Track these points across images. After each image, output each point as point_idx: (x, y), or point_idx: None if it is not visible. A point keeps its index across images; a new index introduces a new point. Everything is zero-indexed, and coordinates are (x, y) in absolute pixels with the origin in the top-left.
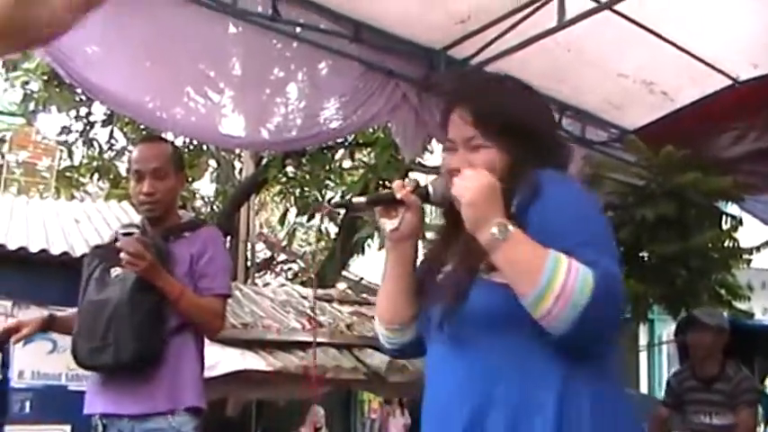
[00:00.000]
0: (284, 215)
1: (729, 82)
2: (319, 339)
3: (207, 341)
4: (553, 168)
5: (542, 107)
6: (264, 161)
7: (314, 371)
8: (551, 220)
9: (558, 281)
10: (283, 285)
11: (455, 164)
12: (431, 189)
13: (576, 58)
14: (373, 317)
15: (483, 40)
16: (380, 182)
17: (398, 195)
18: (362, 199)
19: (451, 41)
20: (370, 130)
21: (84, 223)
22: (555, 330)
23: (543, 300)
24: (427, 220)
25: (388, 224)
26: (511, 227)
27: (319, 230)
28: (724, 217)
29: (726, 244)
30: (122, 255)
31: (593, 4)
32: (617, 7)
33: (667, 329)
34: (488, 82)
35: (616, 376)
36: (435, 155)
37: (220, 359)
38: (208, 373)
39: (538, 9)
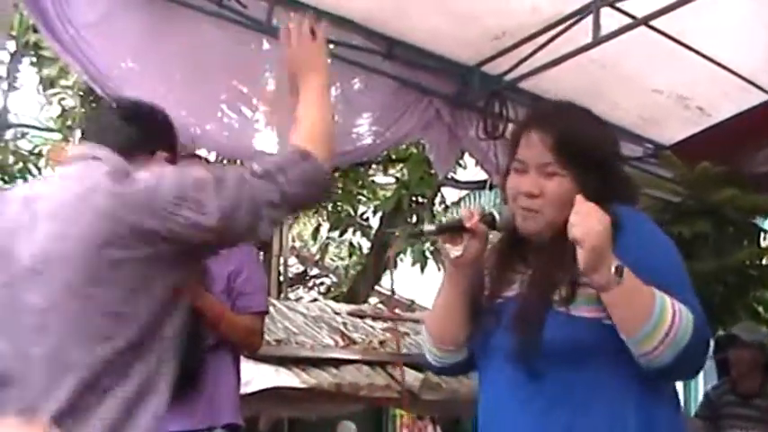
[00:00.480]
0: (317, 230)
1: (766, 97)
2: (352, 356)
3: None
4: (623, 203)
5: (615, 141)
6: None
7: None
8: (641, 258)
9: (665, 322)
10: (315, 300)
11: (526, 187)
12: (497, 216)
13: (611, 74)
14: (406, 333)
15: (517, 56)
16: (413, 197)
17: (467, 224)
18: (432, 228)
19: (485, 58)
20: (403, 146)
21: None
22: (653, 365)
23: (650, 339)
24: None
25: (452, 251)
26: (625, 269)
27: (351, 245)
28: (762, 234)
29: (764, 261)
30: None
31: (629, 20)
32: (652, 23)
33: None
34: (567, 109)
35: (676, 398)
36: (468, 170)
37: (254, 376)
38: (242, 390)
39: (573, 25)
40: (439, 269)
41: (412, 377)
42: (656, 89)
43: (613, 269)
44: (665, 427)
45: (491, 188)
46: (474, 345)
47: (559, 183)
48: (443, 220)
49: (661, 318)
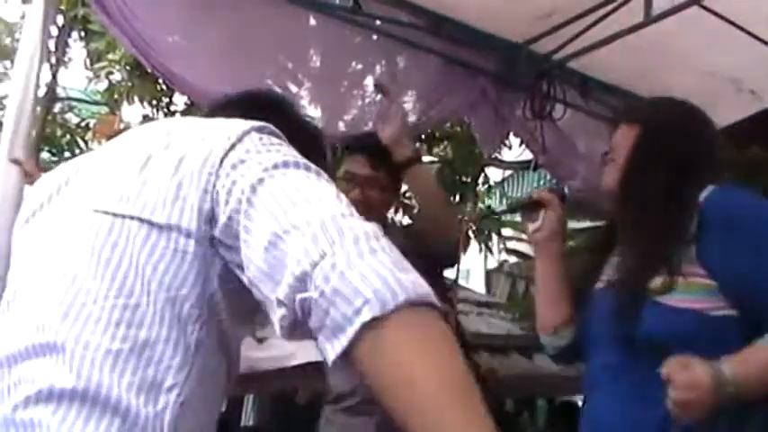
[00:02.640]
0: None
1: None
2: None
3: None
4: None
5: (710, 135)
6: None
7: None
8: (728, 260)
9: None
10: None
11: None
12: (566, 190)
13: (662, 55)
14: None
15: (566, 35)
16: (457, 177)
17: (535, 196)
18: (504, 208)
19: (533, 36)
20: (448, 124)
21: None
22: None
23: None
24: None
25: (530, 226)
26: (728, 372)
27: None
28: None
29: None
30: None
31: (682, 0)
32: (706, 3)
33: None
34: (658, 103)
35: None
36: (513, 150)
37: (297, 349)
38: (285, 363)
39: (624, 4)
40: (480, 250)
41: None
42: (708, 71)
43: (728, 390)
44: (758, 424)
45: (535, 168)
46: (577, 332)
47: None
48: (486, 200)
49: None
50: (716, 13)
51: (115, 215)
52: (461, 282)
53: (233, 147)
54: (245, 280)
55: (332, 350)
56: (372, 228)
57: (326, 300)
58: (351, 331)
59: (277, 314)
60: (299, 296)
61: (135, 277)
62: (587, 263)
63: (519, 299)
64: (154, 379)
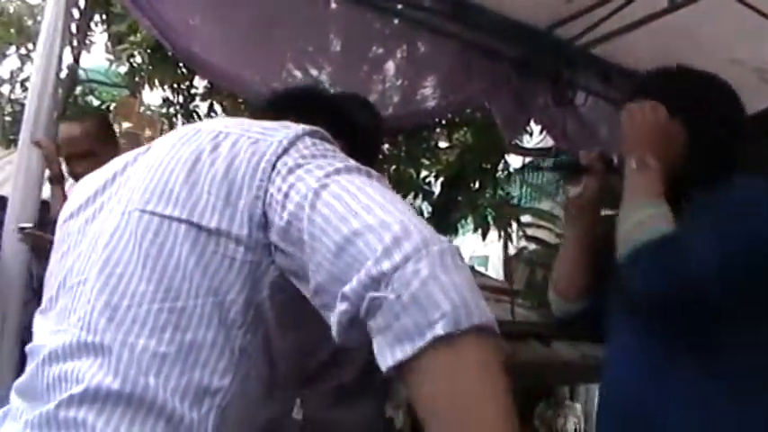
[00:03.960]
0: None
1: None
2: None
3: None
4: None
5: (734, 105)
6: None
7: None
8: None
9: (627, 224)
10: None
11: None
12: (615, 158)
13: (687, 42)
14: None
15: (589, 21)
16: (478, 163)
17: (583, 161)
18: (550, 164)
19: (556, 21)
20: (468, 110)
21: None
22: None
23: (626, 221)
24: None
25: (571, 191)
26: (651, 163)
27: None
28: None
29: None
30: None
31: None
32: None
33: None
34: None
35: None
36: (534, 137)
37: None
38: None
39: None
40: (500, 236)
41: None
42: (733, 59)
43: (634, 163)
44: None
45: (556, 156)
46: (599, 301)
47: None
48: (504, 187)
49: (632, 217)
50: (741, 1)
51: (163, 217)
52: (480, 269)
53: (286, 151)
54: (304, 288)
55: (391, 356)
56: (450, 243)
57: (401, 304)
58: (421, 342)
59: (338, 309)
60: (370, 294)
61: (182, 280)
62: (609, 251)
63: (538, 286)
64: (199, 383)
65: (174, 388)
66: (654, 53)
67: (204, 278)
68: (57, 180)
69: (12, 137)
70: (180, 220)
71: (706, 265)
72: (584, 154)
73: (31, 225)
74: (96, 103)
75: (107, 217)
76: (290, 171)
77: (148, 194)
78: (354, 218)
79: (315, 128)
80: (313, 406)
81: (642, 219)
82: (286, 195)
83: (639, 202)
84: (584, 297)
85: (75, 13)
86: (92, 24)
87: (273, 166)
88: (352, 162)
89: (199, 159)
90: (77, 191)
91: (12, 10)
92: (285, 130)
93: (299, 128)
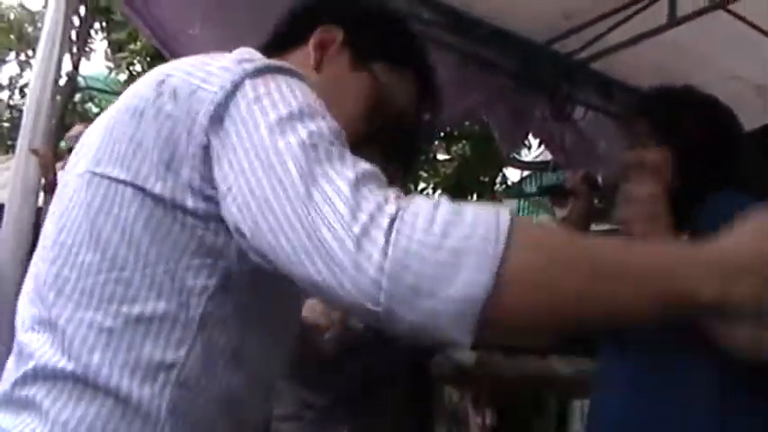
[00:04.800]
0: None
1: None
2: None
3: None
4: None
5: (724, 124)
6: None
7: None
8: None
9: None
10: None
11: (628, 159)
12: (600, 179)
13: (686, 58)
14: None
15: (588, 36)
16: (476, 175)
17: (568, 185)
18: (534, 188)
19: (554, 36)
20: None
21: None
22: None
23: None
24: None
25: (558, 212)
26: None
27: None
28: None
29: None
30: None
31: (706, 3)
32: (731, 7)
33: None
34: (671, 93)
35: None
36: (533, 150)
37: None
38: None
39: (647, 6)
40: None
41: (467, 355)
42: (731, 76)
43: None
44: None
45: (554, 170)
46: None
47: (653, 153)
48: (504, 200)
49: None
50: (741, 18)
51: (111, 179)
52: None
53: (225, 103)
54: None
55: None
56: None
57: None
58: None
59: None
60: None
61: (128, 249)
62: None
63: None
64: (150, 357)
65: (122, 364)
66: (653, 68)
67: (153, 245)
68: (51, 189)
69: (10, 142)
70: (126, 183)
71: None
72: (570, 176)
73: None
74: (95, 110)
75: (69, 180)
76: (226, 129)
77: (99, 154)
78: (310, 177)
79: (262, 65)
80: None
81: None
82: (222, 158)
83: None
84: None
85: (76, 21)
86: (92, 32)
87: (211, 121)
88: (298, 106)
89: (143, 113)
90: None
91: (12, 16)
92: (225, 74)
93: (239, 70)
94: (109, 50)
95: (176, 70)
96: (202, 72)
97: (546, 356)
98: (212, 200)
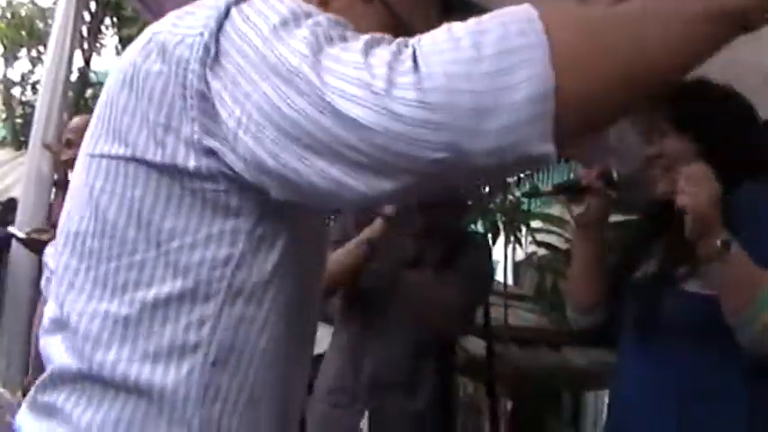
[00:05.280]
0: None
1: None
2: None
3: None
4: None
5: (742, 113)
6: None
7: None
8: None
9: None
10: None
11: (650, 152)
12: (614, 174)
13: None
14: None
15: None
16: None
17: (583, 182)
18: (549, 187)
19: None
20: None
21: None
22: (755, 352)
23: (751, 325)
24: None
25: (575, 210)
26: (734, 245)
27: None
28: None
29: None
30: None
31: None
32: None
33: None
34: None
35: None
36: None
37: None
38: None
39: None
40: (510, 241)
41: (479, 346)
42: (744, 65)
43: (719, 242)
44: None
45: (566, 160)
46: (609, 317)
47: (675, 142)
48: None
49: (764, 306)
50: None
51: (110, 158)
52: None
53: (215, 40)
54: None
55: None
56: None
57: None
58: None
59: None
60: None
61: (138, 230)
62: (623, 258)
63: (548, 292)
64: (172, 342)
65: (142, 355)
66: None
67: (165, 221)
68: (61, 185)
69: (23, 138)
70: (126, 159)
71: None
72: (585, 174)
73: (29, 230)
74: None
75: (77, 166)
76: (225, 72)
77: (98, 132)
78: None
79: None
80: None
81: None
82: (231, 102)
83: (751, 301)
84: (599, 309)
85: (87, 17)
86: (102, 27)
87: (203, 77)
88: (287, 11)
89: (133, 79)
90: None
91: (23, 13)
92: (208, 12)
93: (222, 3)
94: (120, 46)
95: (162, 25)
96: (187, 19)
97: (560, 348)
98: (215, 154)
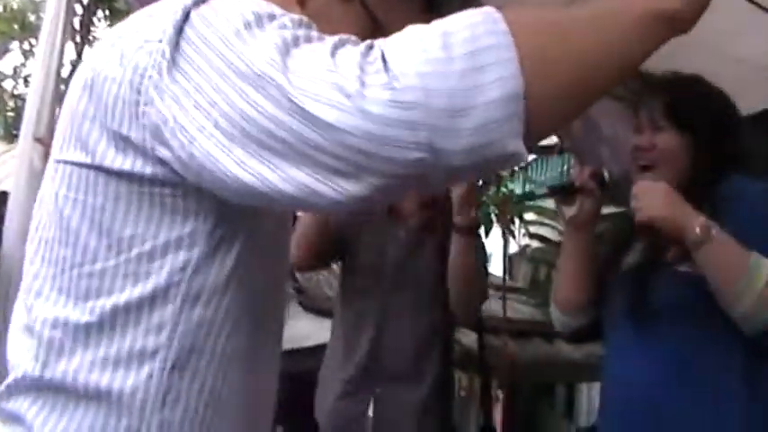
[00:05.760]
0: None
1: None
2: None
3: (304, 311)
4: (750, 175)
5: (728, 107)
6: None
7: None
8: (755, 236)
9: (758, 284)
10: None
11: (640, 142)
12: (606, 174)
13: (689, 39)
14: None
15: None
16: None
17: (576, 183)
18: (543, 189)
19: None
20: None
21: None
22: (748, 329)
23: (744, 297)
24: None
25: (567, 211)
26: (714, 230)
27: None
28: None
29: None
30: None
31: None
32: None
33: None
34: (677, 77)
35: None
36: None
37: (314, 330)
38: (302, 344)
39: None
40: (503, 233)
41: (472, 339)
42: (736, 57)
43: (698, 229)
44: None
45: (560, 153)
46: (596, 314)
47: (670, 137)
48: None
49: (753, 280)
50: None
51: (73, 164)
52: None
53: (175, 46)
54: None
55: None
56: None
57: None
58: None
59: None
60: None
61: (99, 238)
62: (611, 249)
63: (541, 284)
64: (131, 348)
65: (102, 362)
66: (659, 50)
67: (124, 229)
68: None
69: (14, 132)
70: (88, 167)
71: None
72: (577, 174)
73: None
74: None
75: (47, 171)
76: (188, 78)
77: (62, 138)
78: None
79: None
80: None
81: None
82: (193, 109)
83: (741, 274)
84: (584, 312)
85: (79, 9)
86: (95, 20)
87: (159, 84)
88: (250, 14)
89: (93, 85)
90: None
91: (15, 5)
92: (167, 16)
93: (180, 7)
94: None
95: (125, 29)
96: (147, 23)
97: (553, 340)
98: (165, 164)
